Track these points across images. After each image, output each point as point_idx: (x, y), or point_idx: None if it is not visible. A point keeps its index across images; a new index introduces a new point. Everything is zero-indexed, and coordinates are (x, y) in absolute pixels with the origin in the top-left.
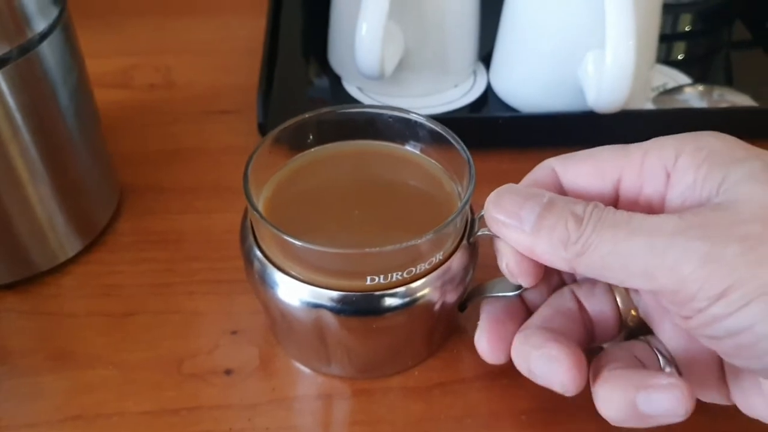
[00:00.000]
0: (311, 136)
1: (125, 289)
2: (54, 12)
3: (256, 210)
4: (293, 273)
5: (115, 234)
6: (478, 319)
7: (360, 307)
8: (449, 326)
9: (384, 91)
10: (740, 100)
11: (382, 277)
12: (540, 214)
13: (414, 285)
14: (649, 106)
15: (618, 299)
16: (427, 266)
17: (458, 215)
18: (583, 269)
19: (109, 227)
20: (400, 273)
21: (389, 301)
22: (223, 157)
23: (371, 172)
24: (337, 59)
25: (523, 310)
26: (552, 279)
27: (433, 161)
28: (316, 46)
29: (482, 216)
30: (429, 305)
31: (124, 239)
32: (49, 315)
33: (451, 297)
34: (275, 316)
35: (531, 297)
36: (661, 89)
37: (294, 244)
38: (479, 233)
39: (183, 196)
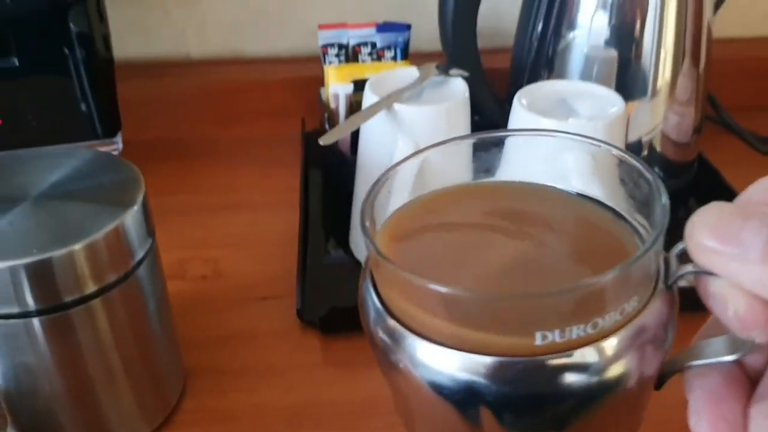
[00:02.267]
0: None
1: None
2: (149, 241)
3: (380, 253)
4: (432, 336)
5: (182, 413)
6: (675, 399)
7: (527, 378)
8: (642, 411)
9: None
10: None
11: (557, 333)
12: None
13: (602, 345)
14: None
15: None
16: (614, 320)
17: (654, 243)
18: None
19: (176, 407)
20: (581, 327)
21: (568, 371)
22: (268, 339)
23: (516, 207)
24: (358, 249)
25: (743, 378)
26: None
27: (591, 195)
28: (339, 236)
29: (682, 250)
30: (623, 377)
31: (190, 418)
32: None
33: (650, 365)
34: (408, 398)
35: (750, 359)
36: None
37: (435, 290)
38: (682, 272)
39: (238, 378)
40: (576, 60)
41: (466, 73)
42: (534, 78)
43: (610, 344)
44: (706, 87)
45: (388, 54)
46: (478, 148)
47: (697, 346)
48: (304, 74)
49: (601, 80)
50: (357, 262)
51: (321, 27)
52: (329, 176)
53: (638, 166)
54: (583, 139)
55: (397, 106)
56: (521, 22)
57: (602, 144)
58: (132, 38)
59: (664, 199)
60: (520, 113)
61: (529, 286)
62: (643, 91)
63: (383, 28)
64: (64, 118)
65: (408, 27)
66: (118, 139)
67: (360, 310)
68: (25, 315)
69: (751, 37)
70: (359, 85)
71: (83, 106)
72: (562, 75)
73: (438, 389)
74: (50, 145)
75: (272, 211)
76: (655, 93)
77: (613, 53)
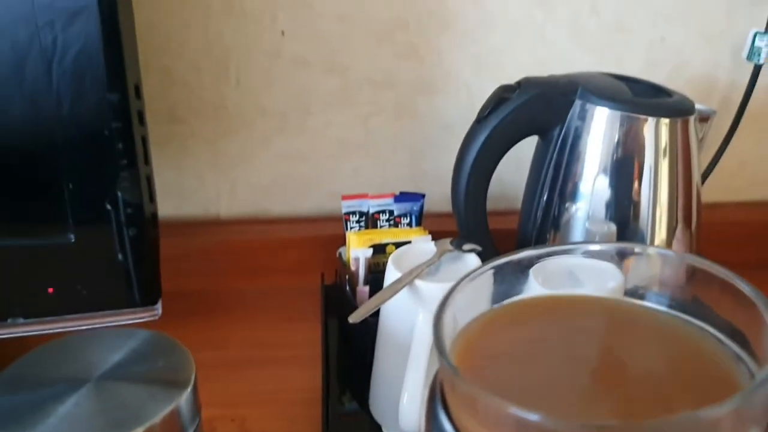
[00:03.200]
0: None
1: None
2: (197, 419)
3: (459, 374)
4: None
5: None
6: None
7: None
8: None
9: None
10: None
11: None
12: None
13: None
14: None
15: None
16: None
17: None
18: None
19: None
20: None
21: None
22: None
23: (598, 323)
24: (378, 411)
25: None
26: None
27: (695, 321)
28: (359, 394)
29: None
30: None
31: None
32: None
33: None
34: None
35: None
36: None
37: (526, 418)
38: None
39: None
40: (578, 226)
41: (479, 248)
42: (540, 239)
43: None
44: (698, 248)
45: (404, 220)
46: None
47: None
48: (324, 233)
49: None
50: (376, 423)
51: (344, 197)
52: (349, 330)
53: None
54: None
55: (417, 282)
56: (528, 190)
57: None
58: (168, 200)
59: None
60: (534, 287)
61: (622, 412)
62: None
63: (400, 198)
64: (110, 287)
65: (422, 196)
66: (158, 306)
67: None
68: None
69: (740, 202)
70: (378, 249)
71: (129, 277)
72: (566, 238)
73: None
74: (97, 312)
75: (295, 366)
76: None
77: (613, 219)
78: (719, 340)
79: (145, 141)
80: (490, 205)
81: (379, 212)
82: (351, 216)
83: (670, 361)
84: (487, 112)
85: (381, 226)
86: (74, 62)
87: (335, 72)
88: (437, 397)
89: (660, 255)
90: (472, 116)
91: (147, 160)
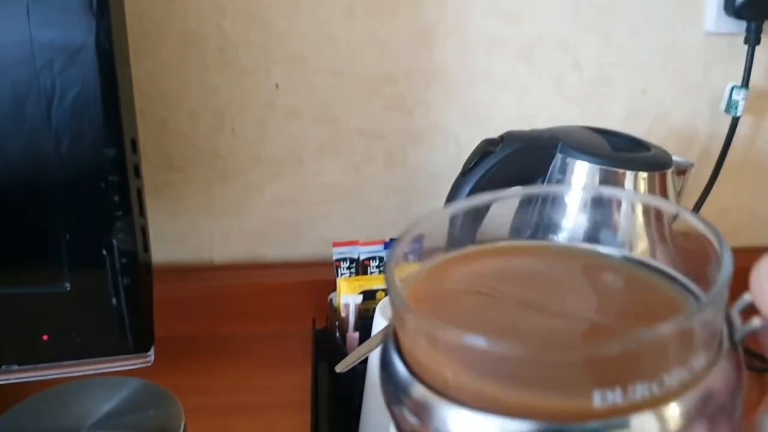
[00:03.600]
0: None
1: None
2: None
3: (407, 306)
4: (468, 401)
5: None
6: None
7: None
8: None
9: None
10: None
11: (619, 392)
12: None
13: (668, 410)
14: None
15: None
16: (682, 378)
17: (721, 291)
18: None
19: None
20: (646, 385)
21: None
22: None
23: (555, 267)
24: None
25: None
26: None
27: (648, 261)
28: None
29: (745, 306)
30: None
31: None
32: None
33: None
34: None
35: None
36: None
37: (476, 345)
38: (750, 327)
39: None
40: None
41: None
42: None
43: (677, 410)
44: None
45: None
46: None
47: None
48: (316, 278)
49: None
50: None
51: (335, 244)
52: (338, 376)
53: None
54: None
55: None
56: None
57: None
58: (162, 245)
59: (727, 251)
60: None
61: (582, 342)
62: None
63: (390, 245)
64: (104, 335)
65: None
66: (151, 353)
67: (382, 384)
68: None
69: None
70: (368, 296)
71: (123, 325)
72: None
73: None
74: (91, 358)
75: (285, 411)
76: None
77: None
78: (673, 279)
79: (140, 193)
80: None
81: (369, 259)
82: (342, 262)
83: (620, 298)
84: (471, 165)
85: (371, 273)
86: (73, 112)
87: (327, 122)
88: (390, 342)
89: (612, 196)
90: (460, 165)
91: (142, 212)
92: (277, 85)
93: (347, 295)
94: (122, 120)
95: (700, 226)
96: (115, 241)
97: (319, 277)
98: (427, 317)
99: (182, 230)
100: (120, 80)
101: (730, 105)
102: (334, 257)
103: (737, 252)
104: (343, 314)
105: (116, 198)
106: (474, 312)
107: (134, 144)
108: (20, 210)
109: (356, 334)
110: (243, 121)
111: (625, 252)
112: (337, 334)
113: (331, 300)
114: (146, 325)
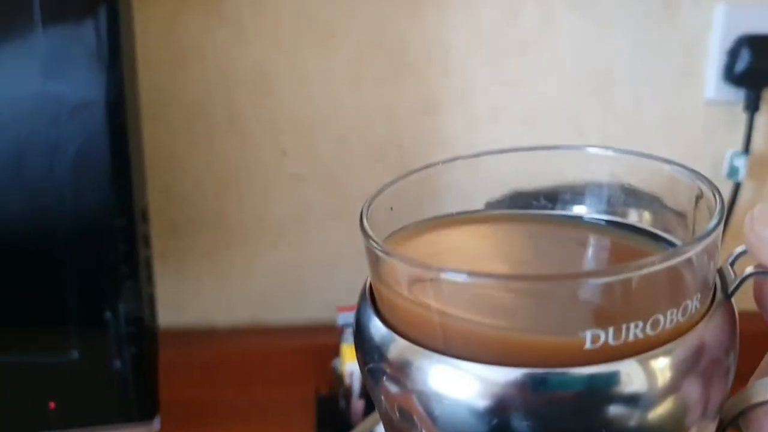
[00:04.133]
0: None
1: None
2: None
3: (383, 248)
4: (449, 349)
5: None
6: None
7: (570, 398)
8: None
9: None
10: None
11: (611, 332)
12: None
13: (659, 358)
14: None
15: None
16: (676, 321)
17: (717, 226)
18: None
19: None
20: (639, 325)
21: (626, 382)
22: None
23: (538, 231)
24: None
25: None
26: None
27: (630, 222)
28: None
29: (738, 256)
30: (681, 408)
31: None
32: None
33: (716, 395)
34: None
35: None
36: None
37: (462, 279)
38: (744, 275)
39: None
40: None
41: None
42: None
43: (668, 360)
44: None
45: None
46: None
47: (760, 383)
48: (318, 342)
49: None
50: None
51: (340, 309)
52: None
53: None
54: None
55: None
56: None
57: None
58: (166, 310)
59: (720, 197)
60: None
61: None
62: None
63: None
64: (110, 402)
65: None
66: (156, 421)
67: (357, 350)
68: None
69: None
70: None
71: (128, 393)
72: None
73: (459, 410)
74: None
75: None
76: None
77: None
78: (660, 238)
79: (148, 262)
80: None
81: None
82: (346, 328)
83: (610, 259)
84: None
85: None
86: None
87: (332, 188)
88: (365, 301)
89: (595, 155)
90: None
91: (150, 280)
92: (283, 151)
93: (352, 363)
94: (133, 190)
95: (690, 176)
96: (122, 311)
97: (322, 342)
98: (410, 257)
99: (186, 294)
100: (132, 147)
101: (732, 171)
102: (339, 322)
103: (740, 316)
104: (347, 381)
105: (125, 268)
106: (458, 261)
107: (144, 214)
108: (29, 278)
109: (361, 402)
110: (248, 186)
111: (611, 217)
112: (342, 402)
113: (334, 366)
114: (152, 393)
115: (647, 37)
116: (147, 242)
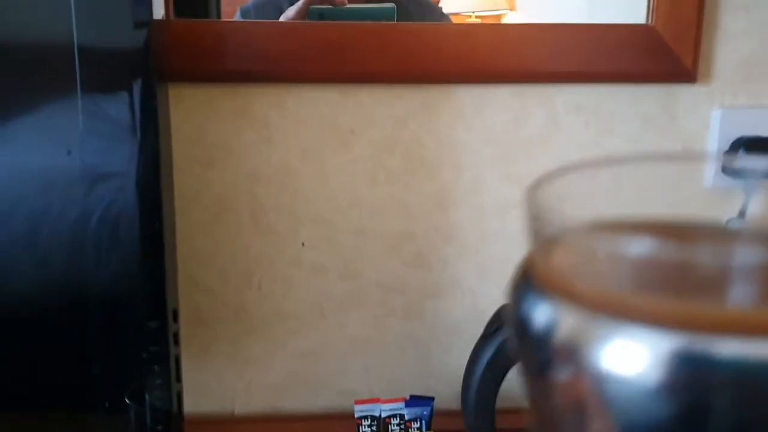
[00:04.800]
0: None
1: None
2: None
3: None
4: (631, 317)
5: None
6: None
7: None
8: None
9: None
10: None
11: None
12: None
13: None
14: None
15: None
16: None
17: None
18: None
19: None
20: None
21: None
22: None
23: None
24: None
25: None
26: None
27: None
28: None
29: None
30: None
31: None
32: None
33: None
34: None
35: None
36: None
37: (645, 251)
38: None
39: None
40: None
41: None
42: None
43: None
44: None
45: (415, 425)
46: None
47: None
48: (335, 431)
49: None
50: None
51: (357, 402)
52: None
53: None
54: None
55: None
56: None
57: None
58: (186, 396)
59: None
60: None
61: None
62: None
63: (411, 403)
64: None
65: (432, 399)
66: None
67: (518, 341)
68: None
69: None
70: None
71: None
72: None
73: (647, 394)
74: None
75: None
76: None
77: None
78: None
79: (178, 361)
80: (500, 402)
81: (390, 416)
82: (363, 420)
83: None
84: (492, 330)
85: (392, 430)
86: (118, 285)
87: (349, 277)
88: (522, 288)
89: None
90: (476, 318)
91: (179, 378)
92: (303, 244)
93: None
94: (167, 293)
95: None
96: (151, 406)
97: (337, 431)
98: (590, 229)
99: (207, 382)
100: (167, 251)
101: None
102: (356, 415)
103: None
104: None
105: (156, 367)
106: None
107: (176, 314)
108: (61, 376)
109: None
110: (270, 277)
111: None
112: None
113: None
114: None
115: (647, 137)
116: (177, 341)
